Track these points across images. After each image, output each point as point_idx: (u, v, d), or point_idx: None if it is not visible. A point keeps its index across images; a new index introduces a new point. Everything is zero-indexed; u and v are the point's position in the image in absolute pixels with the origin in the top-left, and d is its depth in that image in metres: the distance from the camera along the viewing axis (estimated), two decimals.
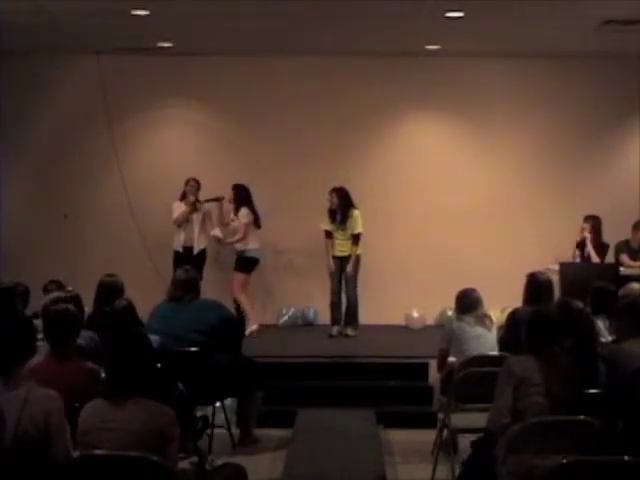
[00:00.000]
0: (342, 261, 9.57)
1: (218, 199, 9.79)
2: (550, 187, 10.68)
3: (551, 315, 4.64)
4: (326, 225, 9.59)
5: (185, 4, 8.28)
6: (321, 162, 10.57)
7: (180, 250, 9.77)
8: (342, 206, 9.46)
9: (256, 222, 9.69)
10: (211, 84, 10.68)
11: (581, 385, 4.33)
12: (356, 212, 9.48)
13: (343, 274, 9.57)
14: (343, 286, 9.63)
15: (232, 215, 9.73)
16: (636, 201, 10.26)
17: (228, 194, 9.74)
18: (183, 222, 9.77)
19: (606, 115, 10.68)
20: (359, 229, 9.48)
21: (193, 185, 9.82)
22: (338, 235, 9.55)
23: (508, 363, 4.46)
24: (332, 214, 9.54)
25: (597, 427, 3.92)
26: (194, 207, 9.76)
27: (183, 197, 9.85)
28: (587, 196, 10.41)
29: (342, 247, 9.56)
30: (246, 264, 9.70)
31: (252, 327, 9.58)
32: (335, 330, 9.62)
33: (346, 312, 9.65)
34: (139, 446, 3.63)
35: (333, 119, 10.65)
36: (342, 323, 9.65)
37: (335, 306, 9.66)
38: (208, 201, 9.80)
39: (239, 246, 9.66)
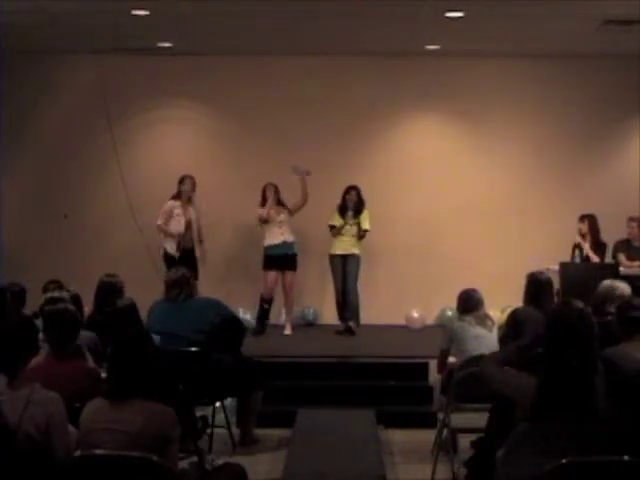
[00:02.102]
0: (344, 259, 9.60)
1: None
2: (550, 187, 10.68)
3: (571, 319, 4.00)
4: (336, 220, 9.62)
5: (185, 4, 8.29)
6: (321, 162, 10.53)
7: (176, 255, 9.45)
8: (358, 204, 9.58)
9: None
10: (211, 84, 10.68)
11: (581, 386, 4.31)
12: (366, 210, 9.61)
13: (345, 273, 9.60)
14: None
15: (269, 208, 9.59)
16: (636, 201, 10.25)
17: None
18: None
19: (606, 115, 10.67)
20: (368, 226, 9.58)
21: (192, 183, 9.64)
22: (345, 231, 9.58)
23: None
24: (343, 210, 9.59)
25: (597, 428, 3.91)
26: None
27: (179, 196, 9.60)
28: (587, 196, 10.40)
29: (346, 245, 9.60)
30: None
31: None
32: (343, 326, 9.68)
33: (347, 309, 9.66)
34: (139, 446, 3.62)
35: (333, 119, 10.64)
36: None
37: (340, 305, 9.71)
38: None
39: (292, 239, 9.67)
